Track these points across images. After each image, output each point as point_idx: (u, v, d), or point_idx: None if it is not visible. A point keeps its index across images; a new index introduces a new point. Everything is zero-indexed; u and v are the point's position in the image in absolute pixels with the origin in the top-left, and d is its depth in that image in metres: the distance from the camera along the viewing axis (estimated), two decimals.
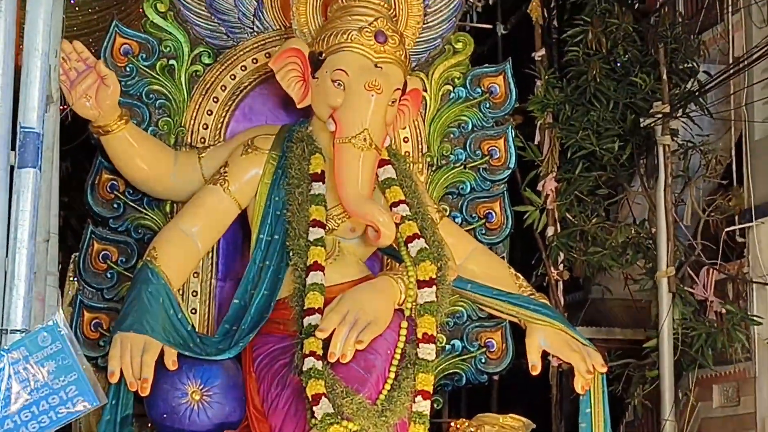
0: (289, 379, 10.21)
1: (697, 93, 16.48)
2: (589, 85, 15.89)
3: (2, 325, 6.28)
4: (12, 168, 6.45)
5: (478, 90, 11.96)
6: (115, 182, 10.75)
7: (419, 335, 10.43)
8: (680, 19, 17.35)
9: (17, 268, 6.37)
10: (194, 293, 10.80)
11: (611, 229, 16.35)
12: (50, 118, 6.86)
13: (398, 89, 10.56)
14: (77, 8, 10.59)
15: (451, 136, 11.85)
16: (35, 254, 6.58)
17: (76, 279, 11.07)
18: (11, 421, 5.72)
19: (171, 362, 9.85)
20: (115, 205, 10.83)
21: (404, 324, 10.39)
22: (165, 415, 10.08)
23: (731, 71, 16.53)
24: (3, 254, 6.34)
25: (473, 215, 11.77)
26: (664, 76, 15.88)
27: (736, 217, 16.36)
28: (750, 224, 16.07)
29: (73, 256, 11.11)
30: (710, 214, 16.83)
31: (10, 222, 6.39)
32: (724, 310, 15.90)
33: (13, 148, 6.46)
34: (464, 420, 11.84)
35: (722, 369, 16.57)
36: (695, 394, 16.85)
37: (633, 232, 16.36)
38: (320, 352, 9.81)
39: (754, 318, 15.71)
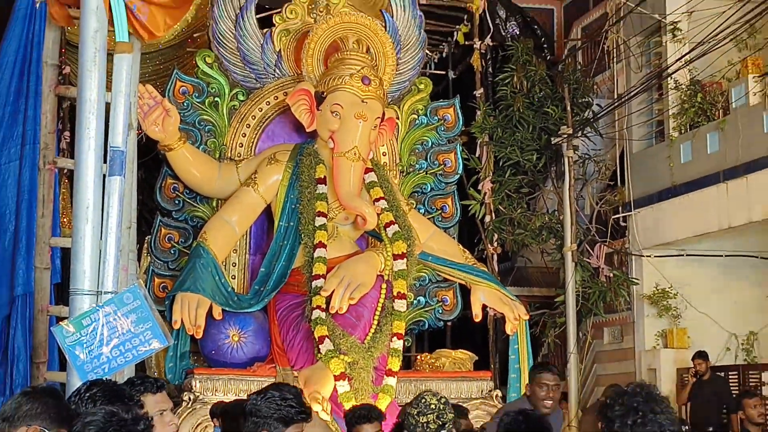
0: (302, 325, 10.29)
1: (591, 119, 16.50)
2: (515, 114, 15.87)
3: (98, 288, 6.29)
4: (104, 176, 6.46)
5: (435, 118, 12.07)
6: (176, 185, 10.88)
7: (394, 293, 10.57)
8: (579, 67, 17.34)
9: (108, 248, 6.40)
10: (233, 264, 10.96)
11: (531, 216, 16.35)
12: (130, 140, 6.89)
13: (378, 118, 10.69)
14: (148, 60, 10.59)
15: (416, 151, 11.95)
16: (120, 237, 6.60)
17: (149, 255, 11.10)
18: (105, 357, 5.72)
19: (217, 314, 10.00)
20: (176, 202, 10.94)
21: (384, 285, 10.55)
22: (213, 352, 10.19)
23: (616, 104, 16.52)
24: (99, 237, 6.35)
25: (432, 207, 11.91)
26: (568, 108, 15.87)
27: (620, 208, 16.38)
28: (629, 213, 16.10)
29: (146, 239, 11.15)
30: (601, 206, 16.86)
31: (103, 214, 6.40)
32: (611, 275, 15.91)
33: (105, 162, 6.48)
34: (427, 354, 11.87)
35: (610, 316, 16.59)
36: (591, 335, 16.86)
37: (546, 219, 16.38)
38: (324, 306, 10.00)
39: (633, 280, 15.85)
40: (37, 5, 8.26)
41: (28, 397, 3.91)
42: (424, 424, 4.62)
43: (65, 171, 8.65)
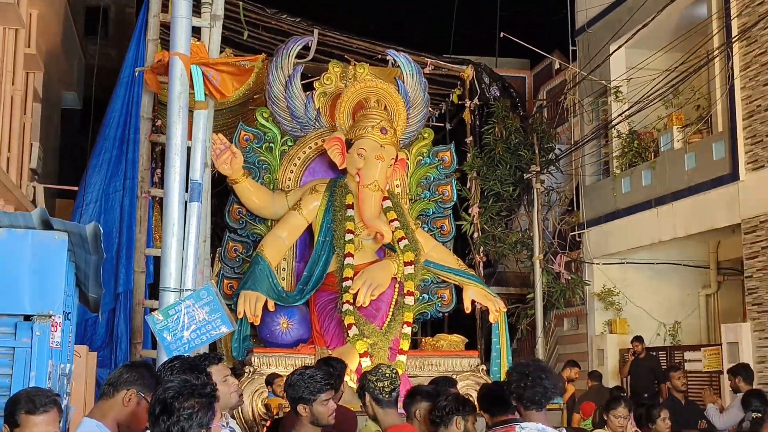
0: (335, 315, 10.29)
1: (554, 160, 16.47)
2: (496, 156, 15.87)
3: (181, 287, 6.28)
4: (186, 202, 6.45)
5: (436, 159, 12.08)
6: (240, 209, 10.92)
7: (405, 291, 10.58)
8: (544, 120, 17.34)
9: (188, 256, 6.39)
10: (283, 269, 10.96)
11: (508, 233, 16.33)
12: (206, 175, 6.89)
13: (393, 159, 10.71)
14: (219, 115, 10.61)
15: (422, 183, 11.95)
16: (198, 249, 6.59)
17: (219, 262, 11.10)
18: (185, 338, 5.72)
19: (271, 306, 10.01)
20: (240, 222, 10.96)
21: (397, 285, 10.56)
22: (268, 335, 10.20)
23: (572, 149, 16.50)
24: (182, 249, 6.34)
25: (434, 227, 11.90)
26: (537, 151, 15.88)
27: (576, 227, 16.32)
28: (583, 231, 16.05)
29: (218, 250, 11.14)
30: (561, 226, 16.80)
31: (185, 231, 6.38)
32: (569, 278, 15.85)
33: (186, 191, 6.47)
34: (429, 337, 11.86)
35: (569, 309, 16.52)
36: (554, 323, 16.80)
37: (520, 235, 16.36)
38: (351, 301, 10.01)
39: (586, 281, 15.77)
40: (136, 74, 8.30)
41: (127, 368, 3.98)
42: (381, 388, 4.64)
43: (157, 198, 8.66)
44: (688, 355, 13.70)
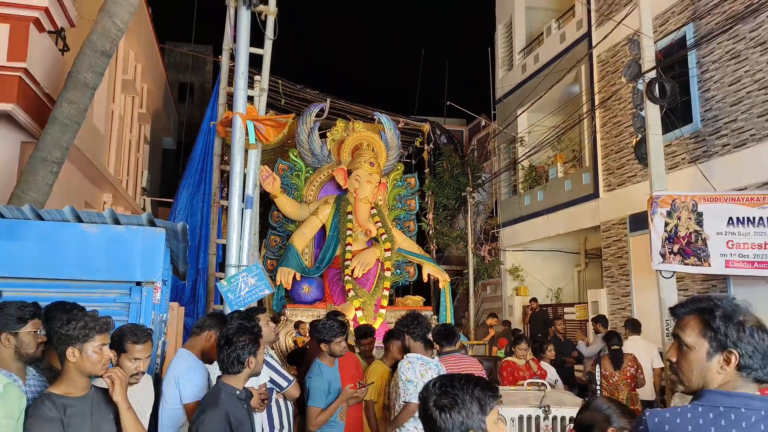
0: (339, 283, 10.22)
1: (481, 184, 16.50)
2: (444, 181, 15.91)
3: (239, 264, 6.25)
4: (242, 209, 6.42)
5: (405, 183, 12.01)
6: (279, 215, 10.81)
7: (385, 268, 10.50)
8: (475, 158, 17.38)
9: (244, 244, 6.35)
10: (306, 253, 10.82)
11: (451, 231, 16.34)
12: (256, 191, 6.84)
13: (378, 182, 10.64)
14: (264, 153, 10.56)
15: (396, 198, 11.89)
16: (251, 239, 6.54)
17: (264, 248, 11.01)
18: (242, 298, 5.68)
19: (298, 277, 9.92)
20: (279, 222, 10.85)
21: (380, 264, 10.48)
22: (295, 296, 10.04)
23: (493, 176, 16.52)
24: (240, 239, 6.30)
25: (403, 226, 11.81)
26: (470, 178, 15.88)
27: (495, 227, 16.34)
28: (500, 229, 16.05)
29: (263, 240, 11.04)
30: (486, 226, 16.82)
31: (242, 228, 6.35)
32: (491, 260, 15.86)
33: (243, 202, 6.43)
34: (401, 297, 11.81)
35: (491, 280, 16.50)
36: (481, 289, 16.76)
37: (459, 232, 16.35)
38: (350, 274, 9.91)
39: (501, 262, 15.72)
40: (211, 126, 8.26)
41: (209, 317, 3.98)
42: (330, 326, 4.54)
43: (224, 207, 8.62)
44: (566, 309, 13.78)
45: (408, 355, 4.49)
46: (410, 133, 15.52)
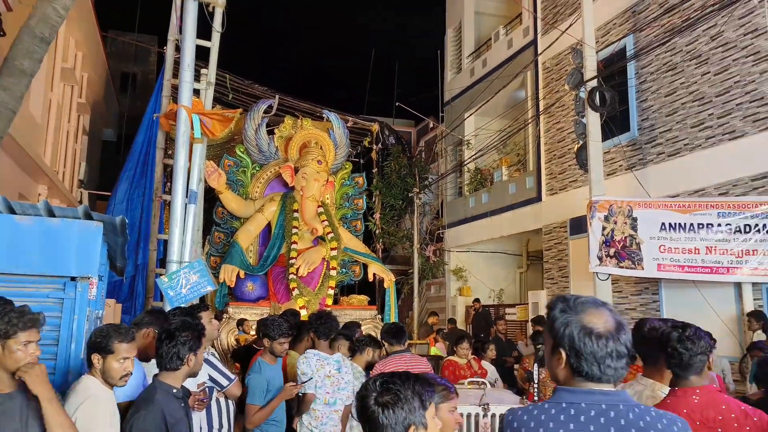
0: (284, 281, 10.09)
1: (428, 185, 16.65)
2: (391, 181, 15.96)
3: (181, 260, 6.12)
4: (186, 204, 6.29)
5: (353, 182, 11.97)
6: (223, 210, 10.60)
7: (330, 267, 10.43)
8: (423, 160, 17.51)
9: (186, 240, 6.23)
10: (250, 250, 10.65)
11: (398, 231, 16.41)
12: (200, 186, 6.72)
13: (326, 180, 10.57)
14: (210, 148, 10.35)
15: (343, 197, 11.82)
16: (194, 235, 6.42)
17: (208, 244, 10.80)
18: (183, 294, 5.57)
19: (242, 274, 9.75)
20: (223, 219, 10.65)
21: (326, 263, 10.41)
22: (239, 294, 9.91)
23: (440, 178, 16.70)
24: (182, 234, 6.18)
25: (350, 226, 11.77)
26: (417, 179, 15.99)
27: (441, 228, 16.51)
28: (445, 230, 16.24)
29: (207, 237, 10.83)
30: (431, 226, 16.98)
31: (184, 223, 6.23)
32: (436, 260, 16.00)
33: (186, 197, 6.31)
34: (346, 296, 11.78)
35: (435, 280, 16.63)
36: (425, 288, 16.88)
37: (406, 232, 16.44)
38: (295, 272, 9.81)
39: (445, 263, 15.88)
40: (154, 118, 8.07)
41: (147, 314, 3.91)
42: (278, 325, 4.54)
43: (167, 201, 8.42)
44: (508, 310, 14.02)
45: (307, 351, 4.59)
46: (359, 133, 15.51)
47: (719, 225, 7.89)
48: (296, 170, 10.68)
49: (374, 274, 11.33)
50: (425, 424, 1.81)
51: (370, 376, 4.91)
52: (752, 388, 5.79)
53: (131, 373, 3.10)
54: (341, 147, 11.78)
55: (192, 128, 6.27)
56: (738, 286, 8.02)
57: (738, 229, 7.78)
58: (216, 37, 6.86)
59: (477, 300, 13.96)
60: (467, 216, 15.44)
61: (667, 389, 2.50)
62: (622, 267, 8.53)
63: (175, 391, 3.03)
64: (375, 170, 16.13)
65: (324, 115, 12.65)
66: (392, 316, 11.09)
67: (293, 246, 10.38)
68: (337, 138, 11.66)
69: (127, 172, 8.65)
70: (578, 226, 10.98)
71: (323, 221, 10.77)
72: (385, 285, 11.33)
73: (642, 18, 10.23)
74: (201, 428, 4.12)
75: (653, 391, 2.57)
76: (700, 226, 8.01)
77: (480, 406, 5.34)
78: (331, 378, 4.53)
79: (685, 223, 8.11)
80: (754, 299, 7.95)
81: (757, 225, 7.64)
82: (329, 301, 10.35)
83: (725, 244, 7.81)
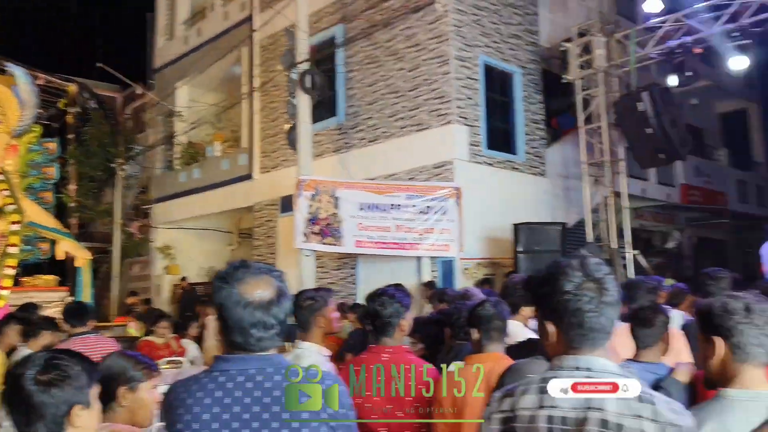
0: None
1: (134, 156, 15.65)
2: (92, 150, 14.69)
3: None
4: None
5: (43, 148, 10.67)
6: None
7: (10, 243, 9.15)
8: (129, 127, 16.45)
9: None
10: None
11: (97, 205, 15.19)
12: None
13: (7, 144, 9.22)
14: None
15: (30, 164, 10.50)
16: None
17: None
18: None
19: None
20: None
21: (4, 239, 9.09)
22: None
23: (148, 149, 15.83)
24: None
25: (38, 197, 10.51)
26: (121, 149, 14.93)
27: (147, 203, 15.75)
28: (152, 206, 15.51)
29: None
30: (138, 201, 16.11)
31: None
32: (140, 237, 15.23)
33: None
34: (30, 277, 10.55)
35: (140, 258, 15.98)
36: (129, 267, 16.03)
37: (107, 207, 15.32)
38: None
39: (151, 240, 15.23)
40: None
41: None
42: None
43: None
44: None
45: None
46: (53, 93, 13.74)
47: (407, 206, 8.88)
48: None
49: (66, 252, 10.25)
50: (90, 402, 1.75)
51: None
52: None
53: None
54: (28, 107, 10.29)
55: None
56: (418, 260, 9.15)
57: (422, 210, 8.86)
58: None
59: (184, 278, 13.62)
60: (177, 191, 14.87)
61: (328, 352, 2.76)
62: (325, 243, 9.08)
63: None
64: (71, 136, 14.56)
65: (6, 69, 10.97)
66: (86, 298, 10.19)
67: None
68: (23, 96, 10.21)
69: None
70: (288, 204, 11.33)
71: (3, 191, 9.38)
72: (77, 264, 10.34)
73: (350, 10, 10.91)
74: None
75: (313, 354, 2.80)
76: (392, 206, 8.92)
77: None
78: None
79: (379, 204, 8.94)
80: (432, 271, 9.17)
81: (435, 207, 8.81)
82: (8, 283, 9.06)
83: (411, 223, 8.84)
